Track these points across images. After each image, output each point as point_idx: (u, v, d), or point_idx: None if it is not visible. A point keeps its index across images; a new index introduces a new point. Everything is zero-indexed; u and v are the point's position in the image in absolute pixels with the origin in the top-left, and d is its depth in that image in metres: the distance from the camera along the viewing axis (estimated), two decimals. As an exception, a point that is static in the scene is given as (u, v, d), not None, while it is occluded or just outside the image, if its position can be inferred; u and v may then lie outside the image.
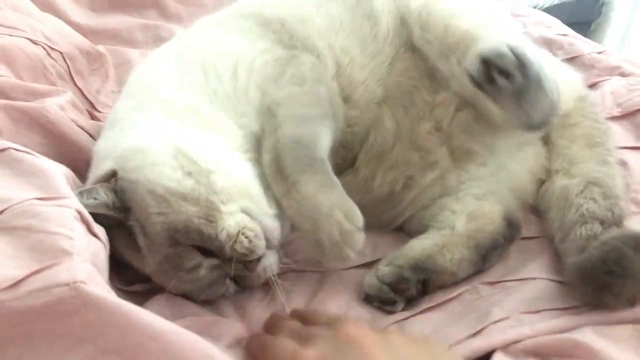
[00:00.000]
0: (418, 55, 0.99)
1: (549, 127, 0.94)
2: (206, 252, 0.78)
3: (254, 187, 0.83)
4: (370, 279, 0.86)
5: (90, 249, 0.64)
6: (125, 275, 0.82)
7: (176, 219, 0.75)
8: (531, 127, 0.85)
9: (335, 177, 0.81)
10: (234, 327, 0.75)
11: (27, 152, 0.76)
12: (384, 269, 0.86)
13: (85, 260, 0.60)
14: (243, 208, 0.79)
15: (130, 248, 0.79)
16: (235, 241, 0.76)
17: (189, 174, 0.78)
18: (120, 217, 0.77)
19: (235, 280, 0.82)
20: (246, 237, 0.76)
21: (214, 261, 0.78)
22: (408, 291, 0.84)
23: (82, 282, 0.55)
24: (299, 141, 0.82)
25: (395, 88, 0.99)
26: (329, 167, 0.82)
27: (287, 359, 0.60)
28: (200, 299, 0.81)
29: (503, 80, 0.81)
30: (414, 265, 0.86)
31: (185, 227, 0.75)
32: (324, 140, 0.85)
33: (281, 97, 0.89)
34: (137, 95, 0.94)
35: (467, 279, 0.88)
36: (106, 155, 0.84)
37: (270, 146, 0.83)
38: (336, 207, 0.77)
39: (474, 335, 0.75)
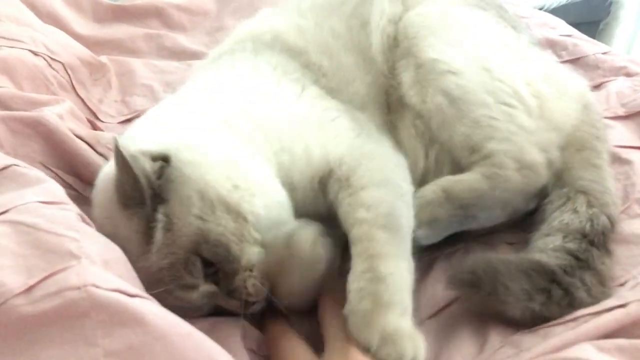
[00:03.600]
0: None
1: None
2: (209, 275, 0.75)
3: (284, 220, 0.80)
4: None
5: (98, 246, 0.64)
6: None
7: (213, 229, 0.73)
8: None
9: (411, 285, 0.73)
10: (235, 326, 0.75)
11: (29, 168, 0.77)
12: None
13: (94, 262, 0.60)
14: (264, 243, 0.77)
15: (140, 234, 0.73)
16: (250, 275, 0.74)
17: (238, 187, 0.76)
18: (148, 192, 0.72)
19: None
20: (260, 275, 0.74)
21: (211, 288, 0.75)
22: None
23: (93, 284, 0.56)
24: (399, 223, 0.76)
25: (391, 100, 1.00)
26: (412, 266, 0.75)
27: None
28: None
29: None
30: None
31: (217, 240, 0.73)
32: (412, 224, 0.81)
33: (367, 149, 0.85)
34: (182, 101, 0.93)
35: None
36: (162, 128, 0.83)
37: (367, 203, 0.77)
38: (401, 313, 0.69)
39: None
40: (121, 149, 0.69)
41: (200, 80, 0.97)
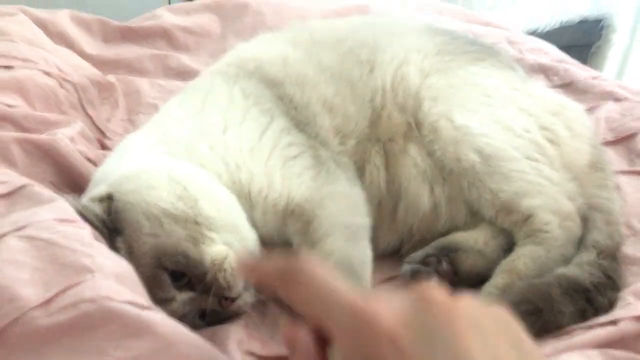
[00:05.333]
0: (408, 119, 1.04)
1: None
2: (182, 286, 0.79)
3: (239, 221, 0.86)
4: (401, 268, 0.93)
5: (110, 261, 0.68)
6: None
7: (166, 241, 0.78)
8: None
9: None
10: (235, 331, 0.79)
11: (42, 188, 0.82)
12: (411, 254, 0.95)
13: (107, 276, 0.63)
14: (225, 241, 0.82)
15: None
16: (219, 269, 0.78)
17: (180, 197, 0.82)
18: (105, 232, 0.79)
19: (204, 316, 0.82)
20: (231, 268, 0.79)
21: (189, 294, 0.79)
22: (438, 265, 0.92)
23: (106, 297, 0.59)
24: (350, 265, 0.81)
25: (383, 131, 1.04)
26: None
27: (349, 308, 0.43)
28: None
29: None
30: (438, 246, 0.95)
31: (174, 249, 0.78)
32: (369, 262, 0.85)
33: (320, 197, 0.88)
34: (145, 129, 0.99)
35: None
36: (101, 180, 0.88)
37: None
38: None
39: None
40: (73, 205, 0.78)
41: (171, 107, 1.03)
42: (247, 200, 0.89)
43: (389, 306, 0.43)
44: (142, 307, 0.61)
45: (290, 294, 0.46)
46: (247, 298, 0.83)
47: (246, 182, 0.89)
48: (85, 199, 0.84)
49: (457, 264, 0.93)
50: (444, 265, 0.92)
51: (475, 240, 0.96)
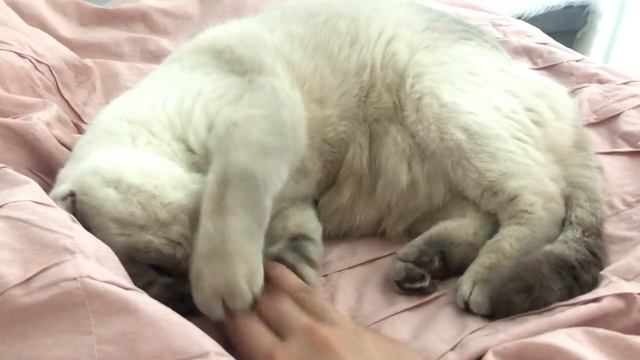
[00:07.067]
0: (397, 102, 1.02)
1: None
2: (160, 270, 0.78)
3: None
4: (395, 265, 0.91)
5: (91, 244, 0.67)
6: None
7: (138, 239, 0.75)
8: None
9: (262, 236, 0.76)
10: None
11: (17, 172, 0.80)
12: (404, 250, 0.92)
13: (88, 257, 0.63)
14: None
15: None
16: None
17: (139, 203, 0.77)
18: None
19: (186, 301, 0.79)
20: None
21: (168, 279, 0.78)
22: (431, 264, 0.90)
23: (88, 276, 0.59)
24: (251, 177, 0.77)
25: (370, 112, 1.02)
26: (267, 218, 0.77)
27: (261, 354, 0.65)
28: None
29: None
30: (429, 241, 0.93)
31: (146, 247, 0.75)
32: (277, 180, 0.81)
33: (238, 117, 0.84)
34: (91, 130, 0.94)
35: None
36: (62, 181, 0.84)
37: (219, 168, 0.77)
38: (244, 259, 0.71)
39: (453, 349, 0.76)
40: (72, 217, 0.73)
41: (118, 100, 0.99)
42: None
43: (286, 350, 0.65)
44: (124, 288, 0.61)
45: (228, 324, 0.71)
46: None
47: (192, 141, 0.88)
48: (50, 195, 0.79)
49: (449, 260, 0.92)
50: (437, 264, 0.91)
51: (465, 231, 0.95)
